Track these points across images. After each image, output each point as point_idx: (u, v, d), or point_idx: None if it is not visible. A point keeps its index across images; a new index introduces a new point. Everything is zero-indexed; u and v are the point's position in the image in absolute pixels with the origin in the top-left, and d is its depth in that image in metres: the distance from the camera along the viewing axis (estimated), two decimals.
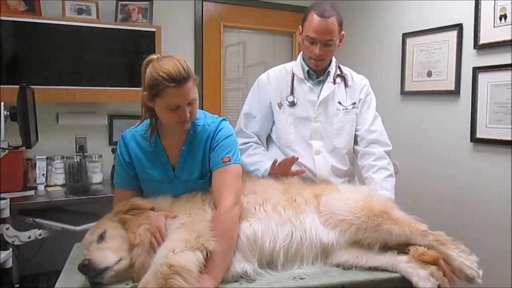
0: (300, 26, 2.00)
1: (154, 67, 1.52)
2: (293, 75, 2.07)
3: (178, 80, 1.49)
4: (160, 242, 1.46)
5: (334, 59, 2.09)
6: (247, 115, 2.12)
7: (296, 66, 2.08)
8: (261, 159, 2.01)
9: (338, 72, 2.08)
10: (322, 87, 2.04)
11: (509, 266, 2.54)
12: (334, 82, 2.05)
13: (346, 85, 2.08)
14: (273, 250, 1.52)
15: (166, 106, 1.55)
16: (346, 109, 2.04)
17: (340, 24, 1.93)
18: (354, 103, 2.06)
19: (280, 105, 2.06)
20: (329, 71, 2.06)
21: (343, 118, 2.03)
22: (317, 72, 2.06)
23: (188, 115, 1.56)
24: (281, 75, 2.10)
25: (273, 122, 2.11)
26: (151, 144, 1.69)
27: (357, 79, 2.11)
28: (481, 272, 1.50)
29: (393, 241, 1.57)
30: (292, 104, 2.04)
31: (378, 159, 2.00)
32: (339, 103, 2.04)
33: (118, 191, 1.76)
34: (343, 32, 1.98)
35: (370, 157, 2.01)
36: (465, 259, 1.52)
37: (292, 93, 2.05)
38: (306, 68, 2.05)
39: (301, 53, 2.10)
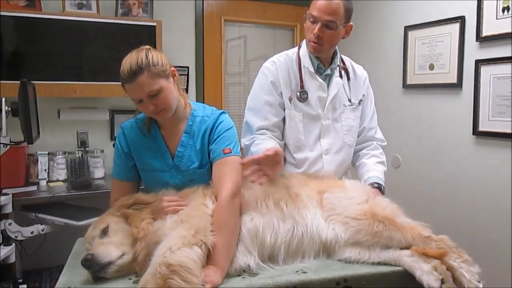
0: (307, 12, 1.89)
1: None
2: (301, 66, 1.93)
3: (129, 76, 1.53)
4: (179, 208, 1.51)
5: (338, 51, 1.98)
6: (254, 109, 1.93)
7: (305, 57, 1.93)
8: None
9: (342, 64, 2.00)
10: (330, 82, 1.95)
11: (509, 257, 2.54)
12: (341, 77, 1.97)
13: (348, 78, 2.00)
14: (274, 244, 1.51)
15: (132, 100, 1.59)
16: (352, 105, 1.99)
17: (347, 11, 1.81)
18: (361, 100, 2.03)
19: (290, 100, 1.92)
20: (337, 65, 1.97)
21: (350, 115, 1.99)
22: (324, 65, 1.94)
23: (152, 107, 1.56)
24: (287, 64, 1.94)
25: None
26: (150, 134, 1.70)
27: (358, 71, 2.07)
28: (481, 285, 1.43)
29: (394, 246, 1.54)
30: (304, 100, 1.91)
31: (372, 149, 2.06)
32: (349, 100, 1.99)
33: (116, 183, 1.76)
34: (351, 23, 1.87)
35: (364, 148, 2.07)
36: (466, 271, 1.44)
37: (303, 87, 1.92)
38: (317, 62, 1.93)
39: (304, 42, 1.97)
